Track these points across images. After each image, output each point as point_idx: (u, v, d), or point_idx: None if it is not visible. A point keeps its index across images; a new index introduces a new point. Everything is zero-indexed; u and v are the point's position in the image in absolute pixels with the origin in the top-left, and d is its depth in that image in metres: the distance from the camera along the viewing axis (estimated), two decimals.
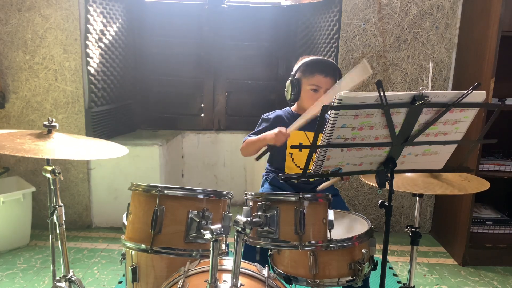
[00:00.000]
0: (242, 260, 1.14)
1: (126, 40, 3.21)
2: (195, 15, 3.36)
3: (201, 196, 1.32)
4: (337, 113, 1.06)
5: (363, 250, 1.38)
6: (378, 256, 1.32)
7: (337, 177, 1.80)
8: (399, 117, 1.12)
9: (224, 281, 1.12)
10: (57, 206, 1.46)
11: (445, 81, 2.88)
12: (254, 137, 1.80)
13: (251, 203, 1.36)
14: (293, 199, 1.31)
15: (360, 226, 1.51)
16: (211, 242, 1.02)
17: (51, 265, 1.57)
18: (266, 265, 1.25)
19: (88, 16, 2.77)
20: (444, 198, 2.90)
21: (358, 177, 2.86)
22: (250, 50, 3.46)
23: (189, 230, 1.29)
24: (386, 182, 1.24)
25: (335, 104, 1.04)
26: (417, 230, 1.55)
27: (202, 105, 3.53)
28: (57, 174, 1.41)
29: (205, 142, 3.49)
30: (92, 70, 2.84)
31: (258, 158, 1.87)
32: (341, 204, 1.80)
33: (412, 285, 1.62)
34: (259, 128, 1.87)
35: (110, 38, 3.03)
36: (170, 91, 3.49)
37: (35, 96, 2.82)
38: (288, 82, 1.79)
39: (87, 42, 2.79)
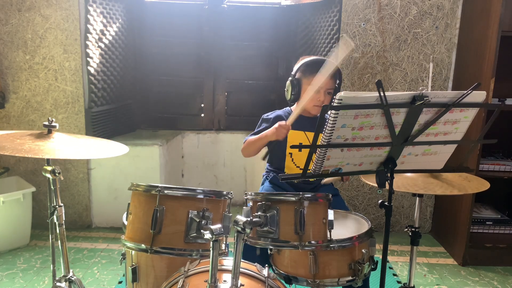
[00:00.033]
0: (242, 260, 1.14)
1: (126, 40, 3.21)
2: (195, 15, 3.36)
3: (201, 196, 1.32)
4: (337, 113, 1.06)
5: (363, 250, 1.38)
6: (378, 256, 1.32)
7: (337, 178, 1.81)
8: (399, 117, 1.12)
9: (224, 281, 1.12)
10: (57, 206, 1.46)
11: (445, 81, 2.88)
12: (254, 137, 1.81)
13: (251, 203, 1.37)
14: (293, 199, 1.31)
15: (360, 226, 1.51)
16: (211, 242, 1.02)
17: (51, 265, 1.57)
18: (266, 265, 1.25)
19: (88, 16, 2.78)
20: (444, 198, 2.90)
21: (358, 177, 2.86)
22: (250, 50, 3.46)
23: (189, 230, 1.29)
24: (386, 182, 1.24)
25: (335, 104, 1.04)
26: (417, 230, 1.55)
27: (202, 105, 3.53)
28: (57, 174, 1.41)
29: (205, 142, 3.49)
30: (92, 70, 2.84)
31: (264, 158, 1.88)
32: (341, 204, 1.80)
33: (412, 285, 1.62)
34: (259, 128, 1.87)
35: (110, 38, 3.03)
36: (170, 91, 3.49)
37: (35, 96, 2.82)
38: (288, 82, 1.79)
39: (87, 42, 2.79)
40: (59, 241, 1.49)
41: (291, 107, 1.93)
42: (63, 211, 1.48)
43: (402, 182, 1.48)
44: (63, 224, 1.49)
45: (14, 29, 2.73)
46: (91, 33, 2.81)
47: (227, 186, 3.55)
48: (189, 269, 1.20)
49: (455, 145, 1.26)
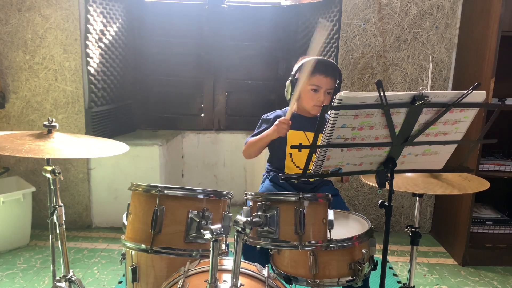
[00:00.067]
0: (242, 260, 1.14)
1: (126, 40, 3.22)
2: (195, 15, 3.36)
3: (201, 196, 1.32)
4: (337, 113, 1.06)
5: (363, 250, 1.38)
6: (378, 256, 1.32)
7: (338, 178, 1.81)
8: (399, 117, 1.12)
9: (224, 281, 1.12)
10: (57, 206, 1.46)
11: (445, 81, 2.88)
12: (255, 138, 1.80)
13: (251, 203, 1.37)
14: (293, 199, 1.31)
15: (360, 226, 1.51)
16: (211, 242, 1.02)
17: (51, 265, 1.57)
18: (266, 265, 1.25)
19: (88, 16, 2.78)
20: (444, 198, 2.90)
21: (358, 177, 2.86)
22: (250, 50, 3.46)
23: (189, 230, 1.29)
24: (386, 182, 1.24)
25: (335, 104, 1.04)
26: (417, 230, 1.55)
27: (202, 105, 3.53)
28: (57, 174, 1.41)
29: (205, 142, 3.49)
30: (92, 70, 2.85)
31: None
32: (341, 204, 1.80)
33: (412, 285, 1.62)
34: (260, 129, 1.87)
35: (110, 38, 3.03)
36: (170, 91, 3.49)
37: (35, 96, 2.82)
38: (288, 82, 1.79)
39: (87, 42, 2.80)
40: (59, 241, 1.49)
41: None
42: (63, 211, 1.48)
43: (402, 182, 1.48)
44: (63, 224, 1.49)
45: (14, 29, 2.73)
46: (91, 33, 2.81)
47: (227, 186, 3.55)
48: (189, 269, 1.20)
49: (455, 145, 1.26)
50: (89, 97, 2.86)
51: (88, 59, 2.81)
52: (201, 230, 1.27)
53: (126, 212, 1.44)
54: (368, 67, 2.85)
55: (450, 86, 2.89)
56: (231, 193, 1.38)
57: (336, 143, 1.14)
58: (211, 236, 1.01)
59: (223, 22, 3.37)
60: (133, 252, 1.37)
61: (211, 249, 1.02)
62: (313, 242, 1.30)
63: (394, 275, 2.44)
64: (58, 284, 1.47)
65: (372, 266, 1.40)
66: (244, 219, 1.04)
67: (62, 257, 1.51)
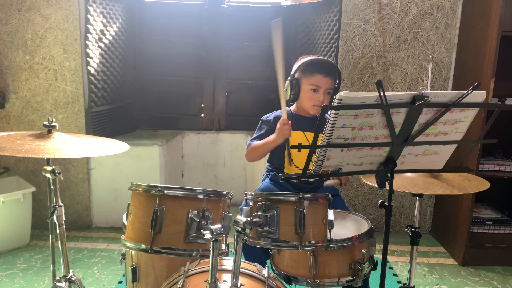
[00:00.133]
0: (242, 260, 1.14)
1: (126, 40, 3.22)
2: (195, 15, 3.36)
3: (201, 196, 1.32)
4: (337, 113, 1.06)
5: (363, 250, 1.38)
6: (378, 256, 1.32)
7: (337, 180, 1.81)
8: (399, 117, 1.12)
9: (224, 281, 1.13)
10: (57, 206, 1.46)
11: (445, 81, 2.88)
12: (258, 142, 1.79)
13: (251, 203, 1.37)
14: (293, 199, 1.31)
15: (360, 226, 1.51)
16: (211, 242, 1.02)
17: (51, 265, 1.57)
18: (266, 265, 1.25)
19: (88, 16, 2.78)
20: (444, 198, 2.90)
21: (358, 177, 2.86)
22: (250, 50, 3.46)
23: (189, 230, 1.30)
24: (386, 182, 1.24)
25: (335, 104, 1.05)
26: (417, 230, 1.54)
27: (202, 105, 3.53)
28: (57, 174, 1.41)
29: (205, 142, 3.49)
30: (92, 70, 2.85)
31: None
32: (341, 204, 1.80)
33: (412, 285, 1.62)
34: (261, 131, 1.87)
35: (110, 38, 3.03)
36: (170, 91, 3.49)
37: (35, 96, 2.82)
38: (287, 82, 1.79)
39: (87, 42, 2.80)
40: (59, 241, 1.49)
41: (290, 107, 1.93)
42: (63, 211, 1.48)
43: (402, 182, 1.48)
44: (63, 224, 1.49)
45: (14, 29, 2.73)
46: (91, 33, 2.81)
47: (227, 186, 3.55)
48: (189, 269, 1.20)
49: (455, 145, 1.26)
50: (89, 97, 2.86)
51: (88, 59, 2.81)
52: (201, 230, 1.27)
53: (126, 212, 1.44)
54: (368, 67, 2.85)
55: (450, 86, 2.89)
56: (231, 193, 1.38)
57: (336, 143, 1.14)
58: (211, 236, 1.02)
59: (223, 22, 3.37)
60: (133, 252, 1.37)
61: (211, 249, 1.02)
62: (313, 242, 1.30)
63: (394, 275, 2.44)
64: (58, 284, 1.47)
65: (372, 266, 1.40)
66: (244, 219, 1.04)
67: (62, 257, 1.51)
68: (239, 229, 1.03)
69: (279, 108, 1.94)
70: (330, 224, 1.33)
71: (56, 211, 1.46)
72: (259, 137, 1.84)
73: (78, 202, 2.97)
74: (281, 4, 3.37)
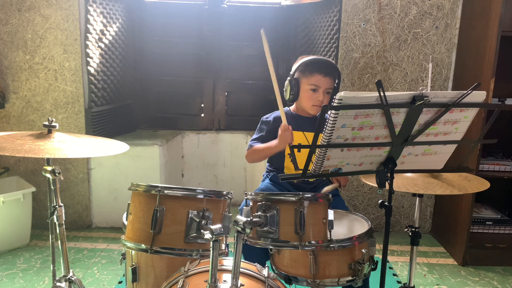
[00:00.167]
0: (242, 260, 1.14)
1: (126, 40, 3.22)
2: (195, 15, 3.36)
3: (201, 196, 1.32)
4: (337, 113, 1.06)
5: (363, 250, 1.38)
6: (378, 256, 1.32)
7: (336, 184, 1.82)
8: (399, 117, 1.12)
9: (224, 281, 1.12)
10: (57, 206, 1.46)
11: (445, 81, 2.88)
12: (260, 146, 1.79)
13: (251, 203, 1.37)
14: (293, 199, 1.31)
15: (360, 226, 1.51)
16: (211, 242, 1.02)
17: (51, 265, 1.57)
18: (266, 265, 1.25)
19: (88, 16, 2.78)
20: (444, 198, 2.90)
21: (358, 177, 2.86)
22: (250, 50, 3.46)
23: (189, 230, 1.30)
24: (386, 182, 1.24)
25: (335, 104, 1.05)
26: (417, 230, 1.54)
27: (202, 105, 3.53)
28: (57, 174, 1.41)
29: (205, 142, 3.50)
30: (92, 70, 2.85)
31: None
32: (341, 204, 1.80)
33: (412, 285, 1.62)
34: (262, 132, 1.86)
35: (110, 38, 3.03)
36: (170, 91, 3.49)
37: (35, 96, 2.82)
38: (286, 82, 1.79)
39: (87, 42, 2.80)
40: (59, 241, 1.49)
41: (290, 107, 1.93)
42: (63, 211, 1.48)
43: (402, 182, 1.48)
44: (63, 224, 1.49)
45: (14, 29, 2.73)
46: (91, 33, 2.81)
47: (227, 186, 3.55)
48: (189, 269, 1.20)
49: (455, 145, 1.26)
50: (89, 97, 2.86)
51: (88, 59, 2.81)
52: (201, 230, 1.27)
53: (126, 212, 1.44)
54: (368, 67, 2.85)
55: (450, 86, 2.89)
56: (231, 193, 1.38)
57: (336, 143, 1.14)
58: (211, 236, 1.01)
59: (223, 22, 3.37)
60: (133, 252, 1.37)
61: (211, 249, 1.02)
62: (313, 242, 1.30)
63: (394, 275, 2.44)
64: (58, 284, 1.47)
65: (372, 266, 1.40)
66: (244, 219, 1.04)
67: (62, 257, 1.51)
68: (239, 229, 1.03)
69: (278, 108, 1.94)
70: (330, 224, 1.33)
71: (56, 211, 1.46)
72: (260, 138, 1.84)
73: (78, 202, 2.97)
74: (281, 4, 3.37)
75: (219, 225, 1.04)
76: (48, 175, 1.41)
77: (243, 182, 3.55)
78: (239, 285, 1.06)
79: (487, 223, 2.72)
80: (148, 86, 3.46)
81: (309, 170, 1.21)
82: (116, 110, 3.16)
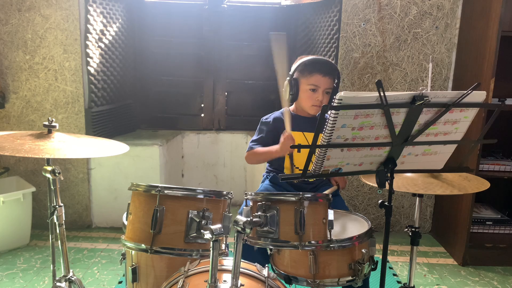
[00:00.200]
0: (242, 260, 1.14)
1: (126, 40, 3.22)
2: (195, 15, 3.36)
3: (201, 196, 1.32)
4: (337, 113, 1.06)
5: (363, 250, 1.38)
6: (378, 256, 1.32)
7: (335, 187, 1.82)
8: (399, 117, 1.12)
9: (224, 281, 1.12)
10: (57, 206, 1.46)
11: (445, 81, 2.88)
12: (260, 149, 1.79)
13: (251, 203, 1.37)
14: (293, 199, 1.31)
15: (360, 226, 1.51)
16: (211, 242, 1.02)
17: (51, 265, 1.57)
18: (266, 265, 1.25)
19: (88, 16, 2.78)
20: (444, 198, 2.90)
21: (358, 177, 2.86)
22: (250, 50, 3.46)
23: (189, 230, 1.29)
24: (386, 182, 1.24)
25: (335, 104, 1.05)
26: (417, 230, 1.54)
27: (202, 105, 3.53)
28: (57, 174, 1.41)
29: (205, 142, 3.49)
30: (92, 70, 2.85)
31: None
32: (341, 204, 1.80)
33: (412, 285, 1.62)
34: (262, 134, 1.86)
35: (110, 38, 3.03)
36: (170, 91, 3.49)
37: (35, 96, 2.82)
38: (286, 82, 1.79)
39: (87, 42, 2.80)
40: (59, 241, 1.49)
41: (290, 107, 1.93)
42: (63, 211, 1.48)
43: (402, 182, 1.48)
44: (63, 224, 1.49)
45: (14, 29, 2.73)
46: (91, 33, 2.81)
47: (227, 186, 3.55)
48: (189, 269, 1.20)
49: (455, 145, 1.26)
50: (89, 97, 2.86)
51: (88, 59, 2.81)
52: (201, 230, 1.27)
53: (126, 212, 1.44)
54: (368, 67, 2.85)
55: (450, 86, 2.89)
56: (231, 193, 1.38)
57: (336, 143, 1.14)
58: (211, 236, 1.02)
59: (223, 22, 3.37)
60: (133, 252, 1.37)
61: (211, 249, 1.02)
62: (313, 242, 1.30)
63: (394, 275, 2.44)
64: (58, 284, 1.47)
65: (372, 266, 1.40)
66: (244, 219, 1.04)
67: (62, 257, 1.51)
68: (239, 229, 1.03)
69: (279, 108, 1.94)
70: (330, 224, 1.33)
71: (56, 211, 1.46)
72: (260, 139, 1.84)
73: (78, 202, 2.97)
74: (281, 4, 3.37)
75: (219, 225, 1.04)
76: (48, 175, 1.41)
77: (243, 182, 3.55)
78: (239, 285, 1.06)
79: (487, 223, 2.72)
80: (148, 86, 3.47)
81: (309, 170, 1.21)
82: (116, 110, 3.16)
